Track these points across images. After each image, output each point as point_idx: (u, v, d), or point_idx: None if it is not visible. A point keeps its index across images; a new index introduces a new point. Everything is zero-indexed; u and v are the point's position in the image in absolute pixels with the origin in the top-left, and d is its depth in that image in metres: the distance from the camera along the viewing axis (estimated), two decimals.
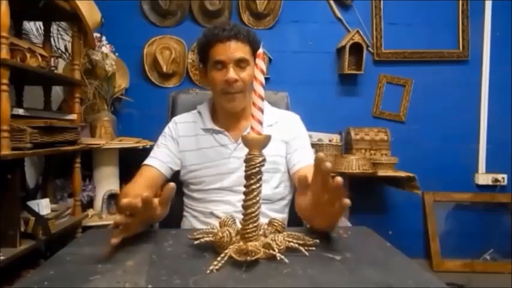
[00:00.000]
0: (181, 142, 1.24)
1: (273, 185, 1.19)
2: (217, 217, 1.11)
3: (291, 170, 1.20)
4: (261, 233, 0.75)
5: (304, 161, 1.17)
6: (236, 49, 1.12)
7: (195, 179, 1.21)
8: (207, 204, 1.18)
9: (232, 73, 1.11)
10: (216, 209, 1.16)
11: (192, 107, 1.34)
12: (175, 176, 1.25)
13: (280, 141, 1.21)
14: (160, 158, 1.20)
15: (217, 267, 0.62)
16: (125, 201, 0.67)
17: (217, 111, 1.26)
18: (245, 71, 1.14)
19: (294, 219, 1.31)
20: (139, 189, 1.08)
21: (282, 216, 1.21)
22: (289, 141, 1.22)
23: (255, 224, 0.70)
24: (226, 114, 1.23)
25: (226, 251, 0.66)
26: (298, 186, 0.76)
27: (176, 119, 1.30)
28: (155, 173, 1.18)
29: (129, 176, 1.18)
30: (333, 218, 0.74)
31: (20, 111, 1.43)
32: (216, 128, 1.22)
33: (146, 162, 1.20)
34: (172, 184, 0.72)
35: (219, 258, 0.64)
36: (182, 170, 1.24)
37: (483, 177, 2.58)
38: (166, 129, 1.28)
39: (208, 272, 0.61)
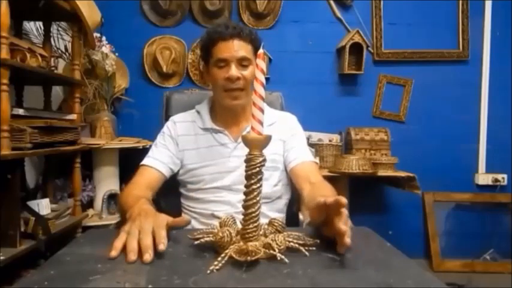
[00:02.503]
0: (180, 141, 1.23)
1: (272, 183, 1.19)
2: (218, 218, 1.11)
3: (287, 167, 1.21)
4: (261, 233, 0.75)
5: (300, 158, 1.18)
6: (239, 47, 1.13)
7: (194, 177, 1.21)
8: (206, 205, 1.18)
9: (234, 70, 1.12)
10: (217, 210, 1.15)
11: (187, 106, 1.34)
12: (173, 177, 1.24)
13: (279, 140, 1.22)
14: (160, 159, 1.20)
15: (217, 267, 0.62)
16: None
17: (217, 110, 1.26)
18: (247, 70, 1.14)
19: (293, 219, 1.31)
20: (140, 190, 1.09)
21: (281, 215, 1.21)
22: (287, 140, 1.23)
23: (255, 224, 0.70)
24: (226, 113, 1.23)
25: (226, 251, 0.66)
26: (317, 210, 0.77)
27: (175, 118, 1.29)
28: (155, 174, 1.17)
29: (129, 176, 1.18)
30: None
31: (20, 111, 1.43)
32: (216, 127, 1.22)
33: (146, 162, 1.19)
34: (188, 218, 0.81)
35: (219, 258, 0.64)
36: (181, 170, 1.24)
37: (483, 177, 2.57)
38: (164, 129, 1.27)
39: (208, 272, 0.61)
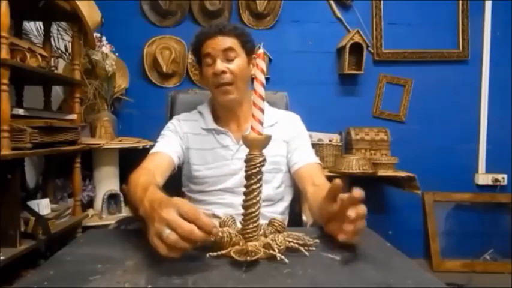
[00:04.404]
0: (185, 139, 1.22)
1: (274, 185, 1.19)
2: (219, 218, 1.11)
3: (291, 169, 1.20)
4: (261, 233, 0.75)
5: (305, 160, 1.18)
6: (223, 41, 1.14)
7: (198, 179, 1.20)
8: (209, 207, 1.18)
9: (219, 64, 1.13)
10: (219, 211, 1.15)
11: (191, 106, 1.33)
12: (174, 177, 1.24)
13: (281, 141, 1.21)
14: (170, 146, 1.18)
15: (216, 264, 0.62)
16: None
17: (218, 111, 1.25)
18: (234, 63, 1.14)
19: (296, 220, 1.31)
20: (149, 176, 0.99)
21: (283, 217, 1.21)
22: (290, 141, 1.22)
23: (255, 224, 0.70)
24: (224, 112, 1.23)
25: (226, 251, 0.66)
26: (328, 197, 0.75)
27: (179, 117, 1.28)
28: (166, 159, 1.14)
29: (129, 176, 1.17)
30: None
31: (20, 111, 1.43)
32: (219, 128, 1.22)
33: (157, 149, 1.16)
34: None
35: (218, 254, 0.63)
36: (185, 167, 1.23)
37: (483, 177, 2.57)
38: (169, 125, 1.25)
39: (207, 271, 0.61)
